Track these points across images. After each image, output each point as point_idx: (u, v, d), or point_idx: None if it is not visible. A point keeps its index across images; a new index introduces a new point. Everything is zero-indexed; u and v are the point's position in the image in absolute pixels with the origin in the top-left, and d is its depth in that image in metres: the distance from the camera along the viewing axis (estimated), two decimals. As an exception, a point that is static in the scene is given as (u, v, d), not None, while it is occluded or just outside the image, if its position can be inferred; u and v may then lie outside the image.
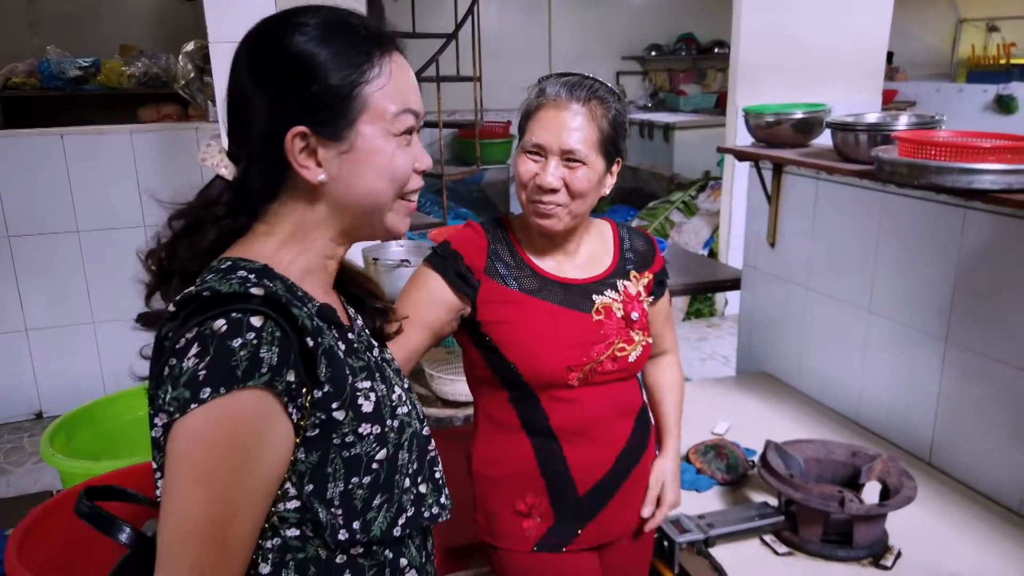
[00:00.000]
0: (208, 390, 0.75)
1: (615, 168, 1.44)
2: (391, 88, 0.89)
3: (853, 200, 2.16)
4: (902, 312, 2.04)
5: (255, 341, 0.77)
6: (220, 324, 0.77)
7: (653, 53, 8.51)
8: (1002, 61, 8.87)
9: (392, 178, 0.90)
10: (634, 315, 1.46)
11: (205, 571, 0.78)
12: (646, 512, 1.52)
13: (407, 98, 0.91)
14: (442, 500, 0.99)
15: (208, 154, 0.91)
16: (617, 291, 1.47)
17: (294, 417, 0.81)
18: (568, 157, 1.35)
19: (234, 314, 0.77)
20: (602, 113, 1.36)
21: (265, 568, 0.85)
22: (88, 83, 4.25)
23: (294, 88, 0.86)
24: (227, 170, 0.91)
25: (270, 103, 0.87)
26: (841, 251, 2.24)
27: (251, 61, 0.89)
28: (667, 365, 1.68)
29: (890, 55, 8.20)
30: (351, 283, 1.03)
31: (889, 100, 7.31)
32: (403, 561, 0.95)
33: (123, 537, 0.92)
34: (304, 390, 0.81)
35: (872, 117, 2.05)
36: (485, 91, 4.71)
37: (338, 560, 0.88)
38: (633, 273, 1.51)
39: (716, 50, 8.20)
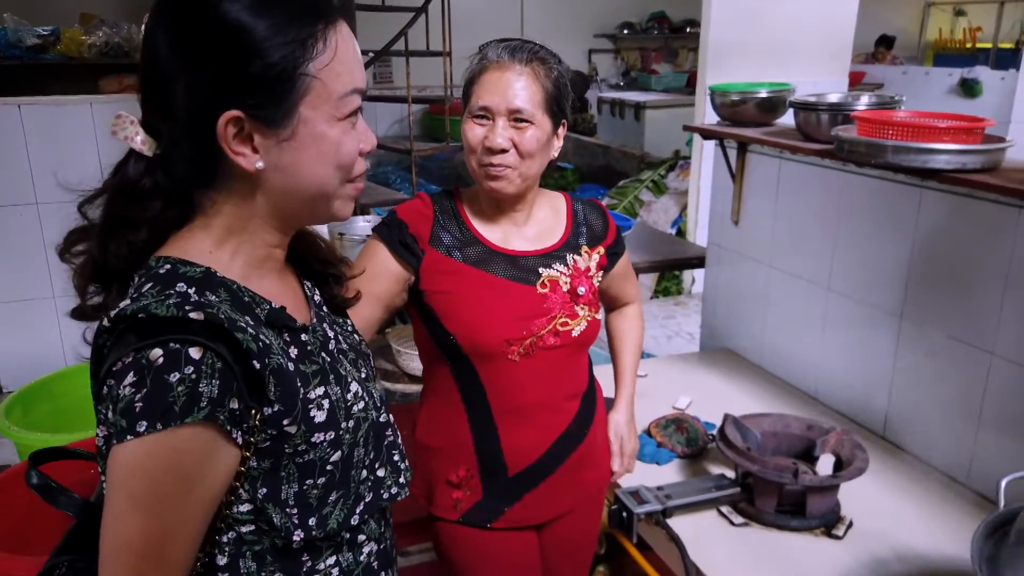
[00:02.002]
0: (144, 424, 0.73)
1: (561, 130, 1.44)
2: (336, 65, 0.80)
3: (814, 179, 2.19)
4: (860, 290, 2.08)
5: (193, 376, 0.73)
6: (157, 355, 0.73)
7: (625, 31, 8.51)
8: (968, 45, 9.01)
9: (338, 164, 0.84)
10: (580, 290, 1.47)
11: None
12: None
13: (353, 76, 0.83)
14: (400, 480, 0.99)
15: (119, 127, 0.80)
16: (566, 265, 1.47)
17: (239, 440, 0.79)
18: (515, 117, 1.35)
19: (172, 344, 0.73)
20: (545, 73, 1.37)
21: (222, 560, 0.85)
22: (47, 52, 4.15)
23: (226, 66, 0.76)
24: (145, 145, 0.80)
25: (199, 82, 0.77)
26: (802, 230, 2.27)
27: (174, 32, 0.78)
28: (629, 315, 1.75)
29: (892, 40, 8.30)
30: (304, 252, 0.98)
31: (858, 82, 7.38)
32: (361, 537, 0.95)
33: (71, 508, 0.91)
34: (252, 411, 0.79)
35: (834, 97, 2.07)
36: (456, 67, 4.67)
37: (295, 546, 0.87)
38: (584, 248, 1.51)
39: (688, 29, 8.22)
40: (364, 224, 2.74)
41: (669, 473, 1.90)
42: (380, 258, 1.41)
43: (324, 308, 1.00)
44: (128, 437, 0.73)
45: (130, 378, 0.73)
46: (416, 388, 2.38)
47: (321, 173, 0.83)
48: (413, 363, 2.42)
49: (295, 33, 0.78)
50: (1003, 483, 1.29)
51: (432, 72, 5.19)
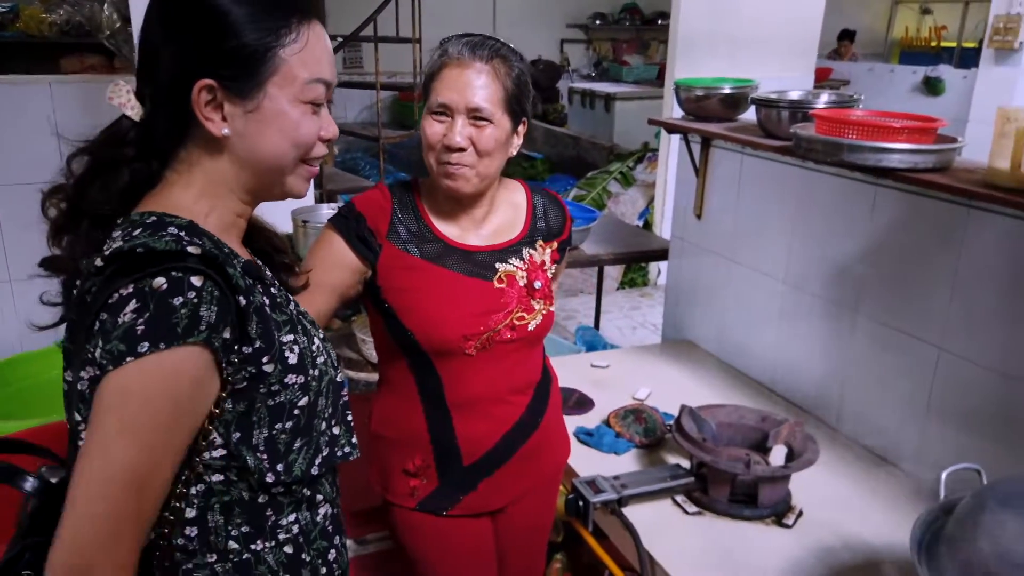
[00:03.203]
0: (147, 344, 0.77)
1: (521, 129, 1.44)
2: (306, 55, 0.90)
3: (774, 175, 2.22)
4: (816, 284, 2.12)
5: (195, 300, 0.79)
6: (160, 282, 0.79)
7: (598, 22, 8.52)
8: (933, 43, 9.15)
9: (295, 142, 0.92)
10: (537, 284, 1.48)
11: (120, 520, 0.79)
12: None
13: (320, 68, 0.93)
14: (353, 440, 1.05)
15: (115, 93, 0.91)
16: (522, 259, 1.48)
17: (225, 372, 0.85)
18: (474, 115, 1.35)
19: (174, 272, 0.79)
20: (505, 71, 1.37)
21: (191, 512, 0.89)
22: (5, 30, 4.05)
23: (206, 41, 0.87)
24: (133, 111, 0.91)
25: (180, 52, 0.87)
26: (762, 224, 2.31)
27: (166, 7, 0.90)
28: None
29: (852, 33, 8.39)
30: (257, 239, 1.05)
31: (824, 78, 7.48)
32: (319, 497, 1.01)
33: (27, 486, 0.93)
34: (236, 346, 0.84)
35: (795, 95, 2.10)
36: (425, 54, 4.65)
37: (260, 500, 0.93)
38: (540, 242, 1.52)
39: (659, 21, 8.25)
40: (328, 211, 2.73)
41: (627, 463, 1.92)
42: (336, 249, 1.41)
43: (277, 282, 1.05)
44: (127, 360, 0.77)
45: (132, 305, 0.78)
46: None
47: (279, 147, 0.92)
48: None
49: (270, 21, 0.88)
50: (944, 475, 1.33)
51: (402, 58, 5.16)
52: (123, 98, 0.91)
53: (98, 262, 0.82)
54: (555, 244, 1.54)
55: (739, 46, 4.42)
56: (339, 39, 4.24)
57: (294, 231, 2.60)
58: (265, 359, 0.87)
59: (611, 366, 2.48)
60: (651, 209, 5.09)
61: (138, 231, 0.84)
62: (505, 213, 1.51)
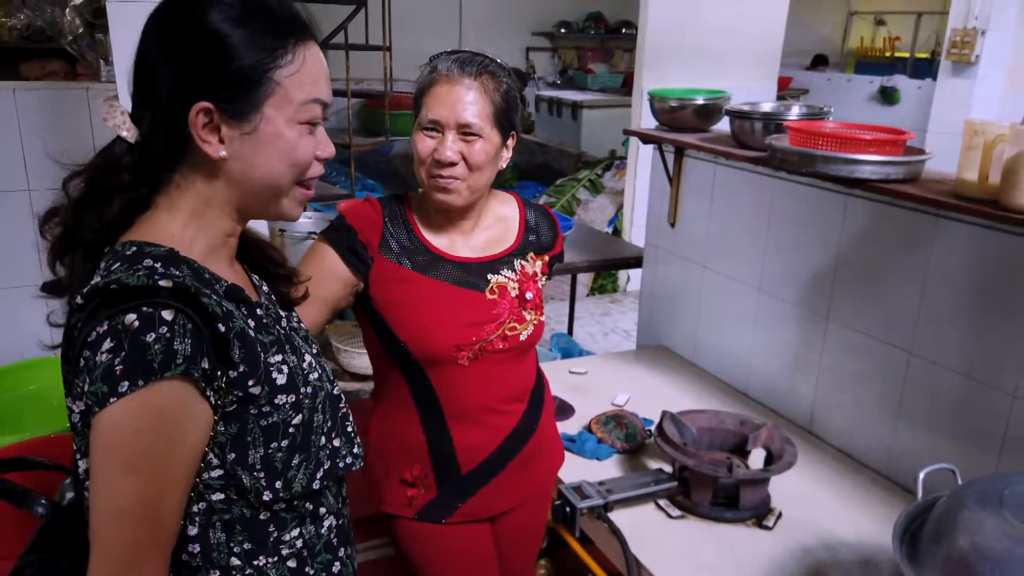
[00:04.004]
0: (126, 384, 0.78)
1: (510, 142, 1.47)
2: (302, 76, 0.91)
3: (747, 185, 2.28)
4: (789, 291, 2.18)
5: (168, 334, 0.80)
6: (132, 319, 0.79)
7: (563, 30, 8.58)
8: (887, 54, 9.41)
9: (293, 163, 0.92)
10: (528, 295, 1.50)
11: (140, 545, 0.82)
12: None
13: (318, 88, 0.93)
14: (355, 450, 1.06)
15: (110, 114, 0.93)
16: (514, 270, 1.50)
17: (212, 399, 0.85)
18: (464, 131, 1.37)
19: (145, 308, 0.80)
20: (494, 87, 1.39)
21: (193, 530, 0.90)
22: (-36, 34, 3.94)
23: (204, 64, 0.87)
24: (128, 132, 0.91)
25: (178, 75, 0.87)
26: (735, 233, 2.36)
27: (164, 30, 0.90)
28: None
29: (825, 58, 8.61)
30: (254, 252, 1.05)
31: (785, 87, 7.64)
32: (322, 510, 1.01)
33: (39, 509, 0.94)
34: (219, 373, 0.85)
35: (767, 106, 2.16)
36: (395, 61, 4.64)
37: (262, 517, 0.94)
38: (531, 254, 1.55)
39: (623, 30, 8.34)
40: (304, 220, 2.72)
41: (609, 468, 1.95)
42: (328, 262, 1.41)
43: (273, 299, 1.06)
44: (111, 400, 0.78)
45: (107, 344, 0.79)
46: (357, 386, 2.38)
47: (276, 168, 0.91)
48: (354, 360, 2.41)
49: (267, 43, 0.89)
50: (921, 475, 1.38)
51: (370, 65, 5.15)
52: (118, 120, 0.92)
53: (78, 299, 0.83)
54: (546, 258, 1.57)
55: (704, 56, 4.51)
56: (309, 47, 4.21)
57: (271, 240, 2.59)
58: (251, 382, 0.88)
59: (589, 372, 2.51)
60: (620, 216, 5.15)
61: (116, 265, 0.85)
62: (496, 225, 1.53)
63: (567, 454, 1.99)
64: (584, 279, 5.02)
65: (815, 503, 1.81)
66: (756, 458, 1.84)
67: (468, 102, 1.37)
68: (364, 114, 6.65)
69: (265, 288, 1.05)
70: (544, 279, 1.58)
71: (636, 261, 3.03)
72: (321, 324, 1.44)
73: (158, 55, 0.89)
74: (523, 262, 1.52)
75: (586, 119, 6.62)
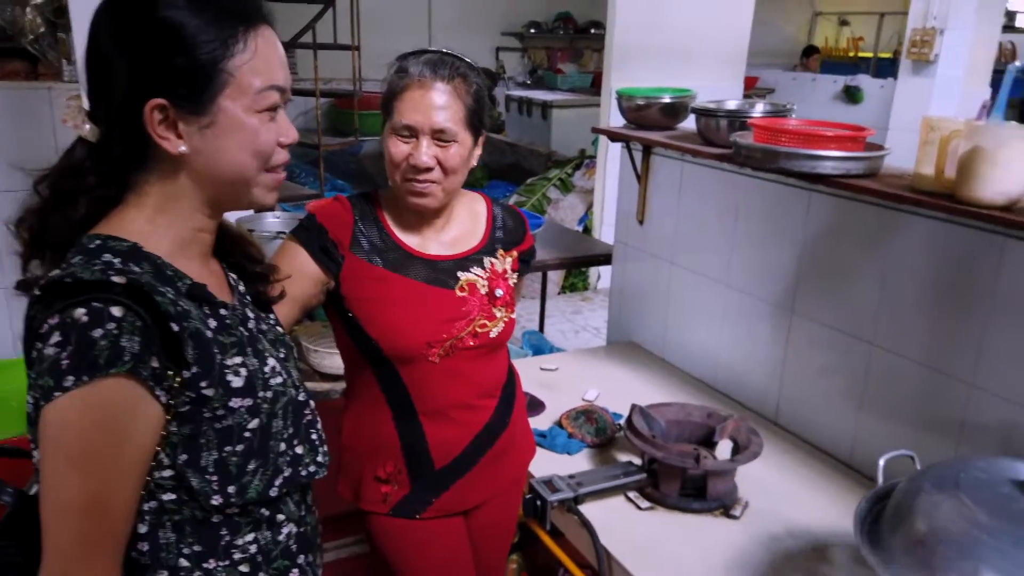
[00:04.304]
0: (71, 379, 0.78)
1: (480, 140, 1.48)
2: (257, 63, 0.89)
3: (714, 181, 2.31)
4: (755, 286, 2.21)
5: (115, 331, 0.79)
6: (80, 313, 0.79)
7: (532, 30, 8.62)
8: (851, 54, 9.57)
9: (255, 152, 0.91)
10: (498, 292, 1.51)
11: (88, 541, 0.81)
12: None
13: (273, 74, 0.91)
14: (319, 459, 1.04)
15: (68, 114, 0.90)
16: (483, 268, 1.51)
17: (162, 398, 0.84)
18: (439, 136, 1.38)
19: (95, 304, 0.79)
20: (466, 89, 1.40)
21: (142, 528, 0.89)
22: (-79, 33, 3.86)
23: (156, 59, 0.85)
24: (89, 130, 0.89)
25: (131, 71, 0.86)
26: (703, 229, 2.39)
27: (114, 25, 0.87)
28: None
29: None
30: (231, 249, 1.04)
31: (751, 86, 7.74)
32: (280, 517, 1.00)
33: (5, 497, 0.92)
34: (171, 373, 0.84)
35: (732, 104, 2.20)
36: (364, 61, 4.63)
37: (214, 520, 0.92)
38: (500, 251, 1.56)
39: (592, 30, 8.40)
40: (273, 220, 2.71)
41: (580, 462, 1.97)
42: (299, 261, 1.41)
43: (247, 298, 1.05)
44: (56, 394, 0.78)
45: (55, 337, 0.79)
46: (328, 386, 2.38)
47: (240, 159, 0.91)
48: (324, 361, 2.41)
49: (217, 33, 0.87)
50: (882, 461, 1.41)
51: (338, 65, 5.13)
52: (77, 119, 0.90)
53: (36, 291, 0.83)
54: (515, 253, 1.58)
55: (672, 56, 4.56)
56: (277, 46, 4.19)
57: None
58: (204, 383, 0.87)
59: (559, 369, 2.53)
60: (590, 215, 5.18)
61: (77, 258, 0.84)
62: (465, 222, 1.54)
63: (538, 449, 2.01)
64: (555, 277, 5.04)
65: (781, 493, 1.85)
66: (723, 449, 1.87)
67: (441, 107, 1.36)
68: (333, 114, 6.62)
69: (241, 288, 1.04)
70: (516, 276, 1.59)
71: (606, 258, 3.05)
72: (291, 323, 1.44)
73: (108, 50, 0.87)
74: (492, 260, 1.53)
75: (556, 119, 6.66)
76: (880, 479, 1.40)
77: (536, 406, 2.25)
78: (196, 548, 0.92)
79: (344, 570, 1.82)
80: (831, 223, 1.96)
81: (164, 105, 0.85)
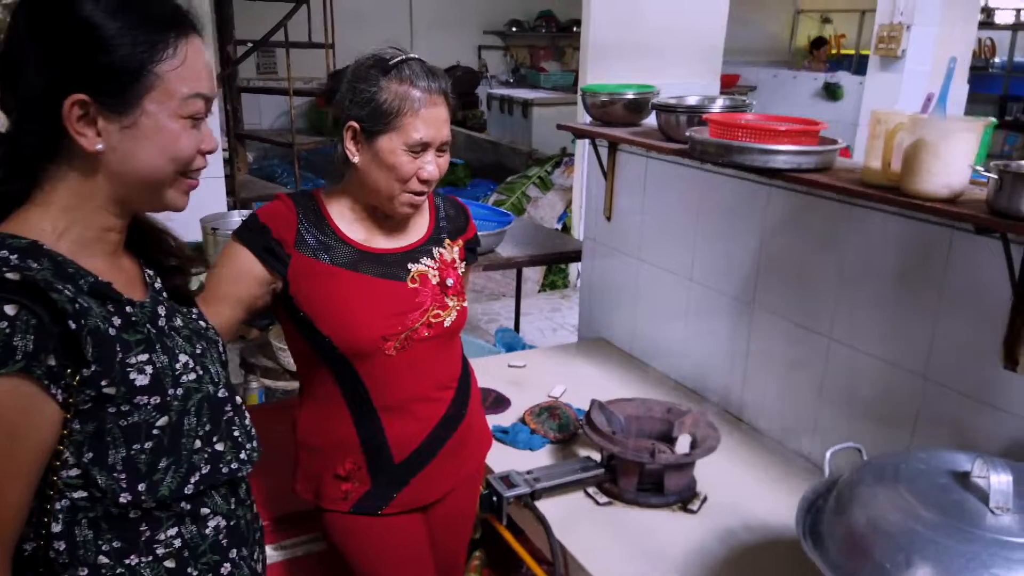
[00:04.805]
0: None
1: None
2: (184, 71, 0.90)
3: (676, 177, 2.32)
4: (718, 280, 2.22)
5: (7, 330, 0.79)
6: None
7: (514, 29, 8.63)
8: (833, 51, 9.61)
9: (173, 157, 0.92)
10: (449, 281, 1.52)
11: None
12: None
13: (200, 82, 0.92)
14: (242, 456, 1.03)
15: None
16: (433, 258, 1.52)
17: (59, 397, 0.84)
18: (441, 147, 1.42)
19: None
20: (450, 99, 1.44)
21: (57, 527, 0.89)
22: None
23: (77, 55, 0.85)
24: None
25: (50, 65, 0.85)
26: (667, 225, 2.40)
27: (35, 18, 0.87)
28: None
29: (825, 40, 8.68)
30: (149, 244, 1.03)
31: (732, 84, 7.76)
32: (204, 510, 0.99)
33: None
34: (69, 371, 0.84)
35: (692, 100, 2.20)
36: (344, 58, 4.62)
37: (131, 515, 0.92)
38: (447, 240, 1.57)
39: (574, 29, 8.40)
40: (239, 219, 2.70)
41: (541, 458, 1.97)
42: (242, 261, 1.40)
43: (163, 295, 1.04)
44: None
45: None
46: (297, 385, 2.38)
47: (157, 162, 0.91)
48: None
49: (144, 37, 0.87)
50: (828, 454, 1.42)
51: (317, 63, 5.12)
52: None
53: None
54: (461, 242, 1.59)
55: (647, 53, 4.56)
56: (249, 44, 4.18)
57: (204, 239, 2.56)
58: (104, 382, 0.86)
59: (528, 366, 2.53)
60: (569, 212, 5.19)
61: None
62: (408, 214, 1.54)
63: (501, 446, 2.02)
64: (535, 276, 5.05)
65: (740, 487, 1.86)
66: (682, 444, 1.87)
67: (444, 120, 1.41)
68: (311, 112, 6.61)
69: (158, 284, 1.03)
70: (464, 264, 1.60)
71: (578, 255, 3.06)
72: (236, 323, 1.44)
73: (28, 43, 0.86)
74: (440, 250, 1.54)
75: (537, 117, 6.66)
76: (827, 471, 1.40)
77: (501, 403, 2.25)
78: (115, 544, 0.91)
79: (302, 568, 1.82)
80: (789, 217, 1.96)
81: (85, 101, 0.85)
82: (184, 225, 1.41)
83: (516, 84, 8.51)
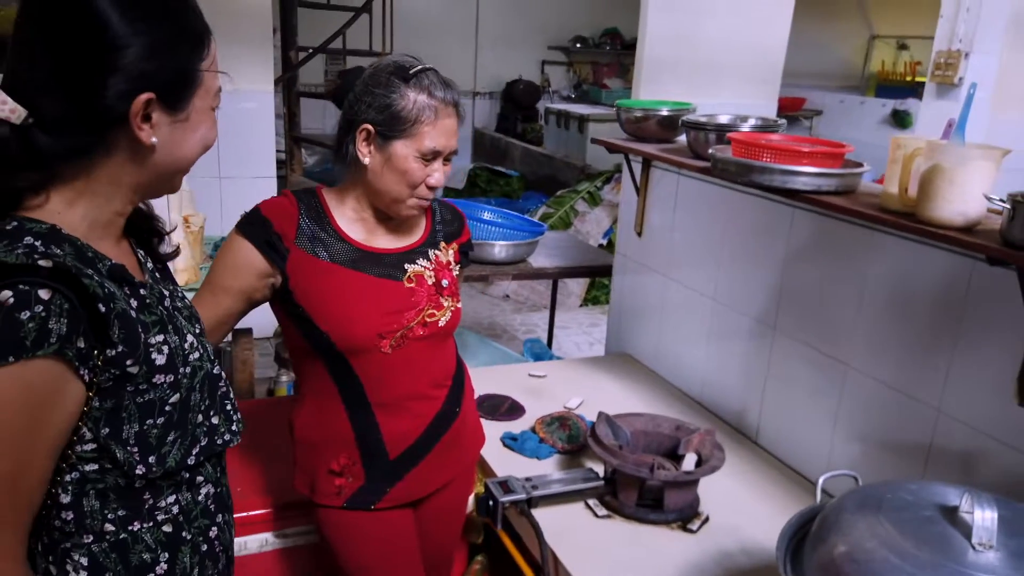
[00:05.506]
0: None
1: None
2: (214, 67, 0.99)
3: (705, 195, 2.30)
4: (740, 301, 2.20)
5: (43, 313, 0.81)
6: (7, 296, 0.80)
7: (578, 45, 8.66)
8: (908, 78, 9.34)
9: (205, 145, 1.00)
10: (444, 282, 1.55)
11: None
12: None
13: (220, 78, 1.00)
14: (233, 428, 1.10)
15: None
16: (429, 259, 1.56)
17: (86, 377, 0.87)
18: (448, 156, 1.48)
19: (22, 286, 0.81)
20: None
21: (66, 498, 0.93)
22: (-21, 28, 4.08)
23: (151, 58, 0.89)
24: (11, 111, 0.86)
25: (124, 69, 0.87)
26: (694, 243, 2.38)
27: (121, 7, 0.88)
28: None
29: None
30: (138, 226, 1.06)
31: (798, 107, 7.64)
32: (199, 479, 1.06)
33: None
34: (96, 352, 0.87)
35: (723, 118, 2.19)
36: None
37: (136, 485, 0.96)
38: (443, 243, 1.60)
39: (638, 46, 8.38)
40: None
41: (548, 468, 1.98)
42: (244, 253, 1.44)
43: (157, 275, 1.09)
44: None
45: None
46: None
47: (194, 151, 0.99)
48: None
49: (195, 37, 0.96)
50: (821, 480, 1.40)
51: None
52: None
53: None
54: (455, 245, 1.63)
55: (703, 71, 4.50)
56: (309, 50, 4.31)
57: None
58: (129, 362, 0.90)
59: (548, 376, 2.54)
60: (615, 229, 5.17)
61: None
62: (408, 217, 1.58)
63: (508, 452, 2.04)
64: (578, 290, 5.04)
65: (745, 510, 1.83)
66: (689, 462, 1.85)
67: (455, 131, 1.48)
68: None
69: (150, 265, 1.07)
70: (457, 267, 1.64)
71: (608, 270, 3.06)
72: (236, 315, 1.49)
73: (97, 50, 0.87)
74: (436, 252, 1.58)
75: (592, 132, 6.67)
76: (818, 497, 1.38)
77: (516, 410, 2.27)
78: (120, 513, 0.96)
79: (293, 559, 1.86)
80: (811, 240, 1.93)
81: (151, 99, 0.90)
82: (233, 222, 1.49)
83: (577, 100, 8.54)
